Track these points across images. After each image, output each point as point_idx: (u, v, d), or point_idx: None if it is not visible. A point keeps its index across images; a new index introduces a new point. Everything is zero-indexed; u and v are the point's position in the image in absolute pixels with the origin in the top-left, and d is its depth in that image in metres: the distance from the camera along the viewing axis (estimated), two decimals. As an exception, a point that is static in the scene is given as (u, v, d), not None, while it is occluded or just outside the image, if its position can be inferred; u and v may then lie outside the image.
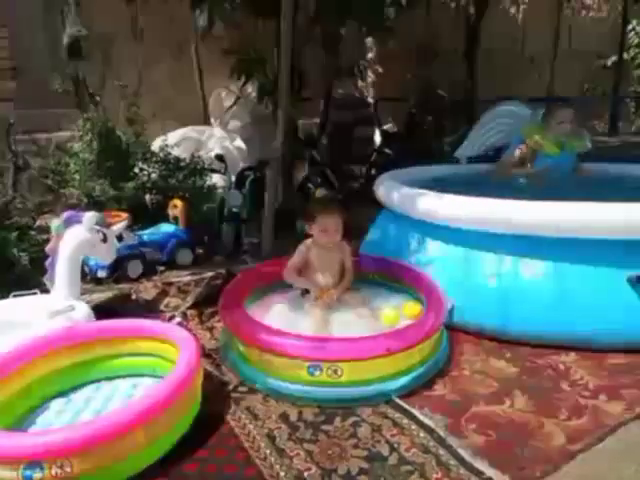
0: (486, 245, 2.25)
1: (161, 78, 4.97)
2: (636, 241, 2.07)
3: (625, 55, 9.49)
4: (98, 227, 2.20)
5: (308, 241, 2.31)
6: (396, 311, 2.13)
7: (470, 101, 5.60)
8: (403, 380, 1.82)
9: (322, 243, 2.25)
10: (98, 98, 3.85)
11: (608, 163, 3.55)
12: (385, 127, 5.77)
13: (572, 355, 2.03)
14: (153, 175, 3.57)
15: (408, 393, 1.80)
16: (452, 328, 2.21)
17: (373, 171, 5.28)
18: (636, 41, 10.93)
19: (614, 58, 9.24)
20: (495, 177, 3.35)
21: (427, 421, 1.65)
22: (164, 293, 2.59)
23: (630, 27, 10.38)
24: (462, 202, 2.34)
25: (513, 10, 7.90)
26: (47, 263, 2.14)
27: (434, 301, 2.04)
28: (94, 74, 4.13)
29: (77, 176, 3.41)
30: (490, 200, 2.26)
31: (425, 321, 1.92)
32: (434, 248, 2.46)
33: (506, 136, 3.53)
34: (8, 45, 4.54)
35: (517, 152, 3.27)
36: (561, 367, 1.96)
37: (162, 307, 2.50)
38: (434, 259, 2.42)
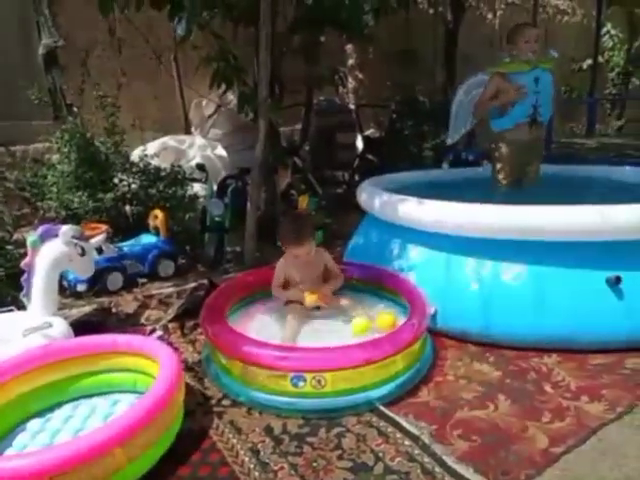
0: (467, 250, 2.26)
1: (140, 88, 4.93)
2: (613, 242, 2.10)
3: (600, 58, 9.70)
4: (76, 240, 2.16)
5: (287, 257, 2.30)
6: (366, 321, 2.09)
7: (449, 106, 5.65)
8: (387, 387, 1.81)
9: (296, 261, 2.27)
10: (76, 109, 3.80)
11: (583, 165, 3.62)
12: (367, 133, 5.79)
13: (554, 357, 2.05)
14: (133, 186, 3.53)
15: (393, 400, 1.79)
16: (436, 333, 2.22)
17: (356, 177, 5.30)
18: (610, 44, 11.21)
19: (589, 61, 9.44)
20: (477, 116, 3.31)
21: (412, 429, 1.65)
22: (145, 306, 2.56)
23: (604, 31, 10.64)
24: (443, 207, 2.35)
25: (490, 15, 8.04)
26: (23, 279, 2.09)
27: (417, 307, 2.04)
28: (72, 85, 4.08)
29: (55, 188, 3.35)
30: (471, 205, 2.27)
31: (408, 327, 1.91)
32: (417, 253, 2.46)
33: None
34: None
35: (477, 91, 3.21)
36: (543, 369, 1.97)
37: (143, 320, 2.46)
38: (417, 264, 2.42)
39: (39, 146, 4.12)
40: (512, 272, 2.18)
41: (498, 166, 3.17)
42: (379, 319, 2.11)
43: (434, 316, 2.18)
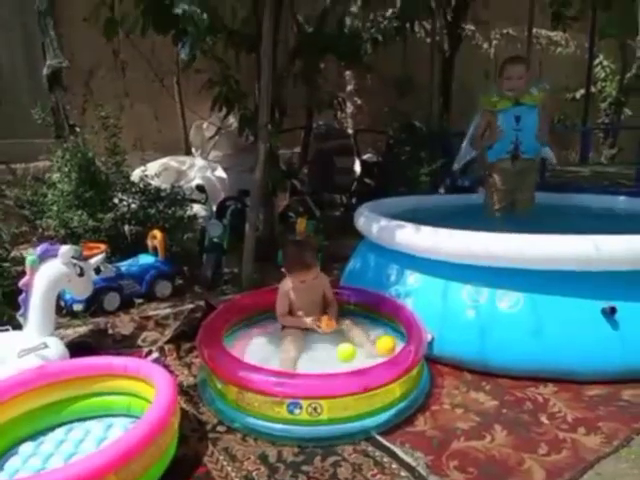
0: (464, 277, 2.28)
1: (142, 109, 5.00)
2: (609, 273, 2.13)
3: (592, 88, 9.93)
4: (75, 261, 2.16)
5: (287, 283, 2.30)
6: (352, 347, 2.08)
7: (445, 133, 5.75)
8: (384, 416, 1.80)
9: (299, 287, 2.27)
10: (78, 129, 3.83)
11: (578, 194, 3.68)
12: (365, 157, 5.87)
13: (550, 387, 2.05)
14: (133, 205, 3.55)
15: (389, 429, 1.78)
16: (432, 360, 2.22)
17: (354, 200, 5.35)
18: (603, 75, 11.49)
19: (582, 91, 9.66)
20: (476, 148, 3.39)
21: (408, 459, 1.64)
22: (142, 327, 2.54)
23: (597, 61, 10.92)
24: (440, 234, 2.38)
25: (485, 45, 8.25)
26: (20, 298, 2.08)
27: (414, 334, 2.05)
28: (74, 105, 4.13)
29: (54, 207, 3.36)
30: (468, 232, 2.30)
31: (405, 355, 1.91)
32: (413, 279, 2.47)
33: None
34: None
35: (476, 121, 3.27)
36: (540, 399, 1.97)
37: (139, 342, 2.44)
38: (413, 290, 2.43)
39: (40, 164, 4.15)
40: (509, 300, 2.19)
41: (488, 193, 3.27)
42: (379, 342, 2.10)
43: (431, 343, 2.19)
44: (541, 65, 8.76)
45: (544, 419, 1.84)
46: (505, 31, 8.57)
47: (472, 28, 7.71)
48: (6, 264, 2.88)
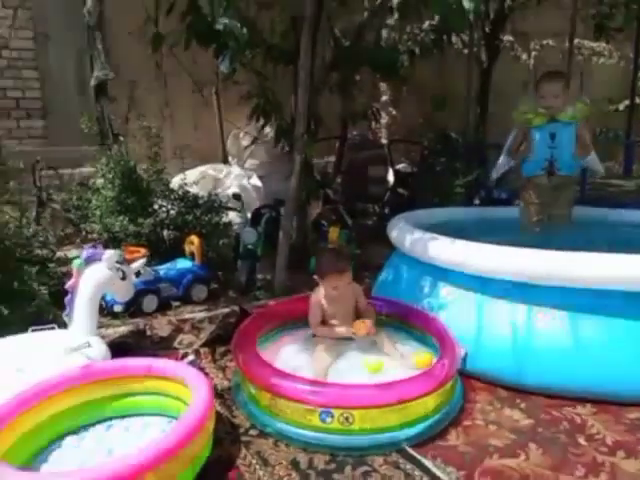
0: (500, 292, 2.25)
1: (182, 119, 5.16)
2: (653, 292, 2.06)
3: (637, 100, 9.60)
4: (118, 265, 2.26)
5: (320, 292, 2.31)
6: (379, 361, 2.06)
7: (481, 144, 5.69)
8: (416, 429, 1.79)
9: (332, 295, 2.27)
10: (121, 137, 4.00)
11: (620, 209, 3.56)
12: (398, 167, 5.86)
13: (589, 407, 2.00)
14: (171, 212, 3.66)
15: (420, 442, 1.77)
16: (466, 375, 2.19)
17: (387, 210, 5.35)
18: (647, 86, 11.09)
19: (626, 102, 9.35)
20: (514, 158, 3.33)
21: (439, 473, 1.63)
22: (178, 330, 2.61)
23: (642, 73, 10.56)
24: (476, 249, 2.36)
25: (524, 56, 8.12)
26: (66, 300, 2.19)
27: (447, 348, 2.03)
28: (119, 115, 4.31)
29: (98, 212, 3.51)
30: (504, 248, 2.28)
31: (439, 369, 1.90)
32: (447, 293, 2.46)
33: None
34: (39, 86, 4.77)
35: (510, 137, 3.22)
36: (577, 420, 1.92)
37: (176, 344, 2.52)
38: (447, 304, 2.41)
39: (85, 171, 4.34)
40: (546, 317, 2.15)
41: (524, 207, 3.23)
42: (417, 357, 2.08)
43: (464, 358, 2.16)
44: (583, 76, 8.55)
45: (582, 440, 1.79)
46: (545, 42, 8.41)
47: (511, 39, 7.61)
48: (52, 265, 3.02)
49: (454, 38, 5.84)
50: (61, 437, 1.74)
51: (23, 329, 2.22)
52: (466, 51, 6.62)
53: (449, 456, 1.71)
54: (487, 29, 6.10)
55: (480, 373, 2.20)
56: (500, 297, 2.26)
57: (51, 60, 4.80)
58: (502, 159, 3.52)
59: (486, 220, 3.64)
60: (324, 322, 2.33)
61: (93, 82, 4.93)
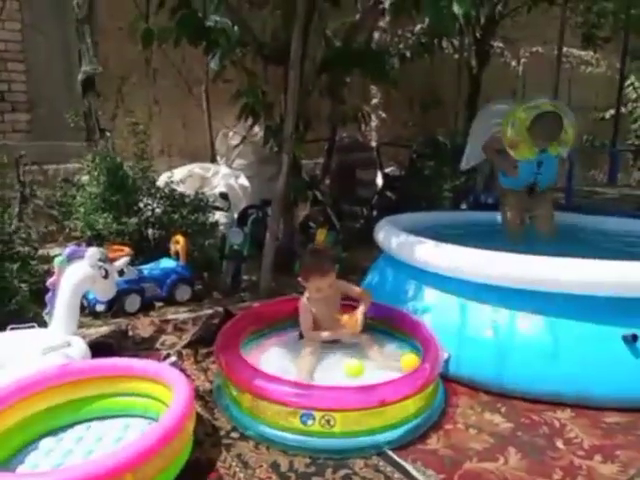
0: (482, 296, 2.27)
1: (170, 116, 5.12)
2: (632, 299, 2.09)
3: (623, 109, 9.76)
4: (100, 263, 2.23)
5: (306, 297, 2.30)
6: (359, 364, 2.05)
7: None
8: (397, 432, 1.80)
9: (315, 297, 2.27)
10: (108, 134, 3.95)
11: (605, 216, 3.62)
12: (387, 170, 5.88)
13: (567, 412, 2.02)
14: (157, 210, 3.63)
15: (401, 445, 1.78)
16: (448, 379, 2.21)
17: (374, 212, 5.36)
18: (634, 96, 11.27)
19: (612, 111, 9.50)
20: (486, 156, 3.27)
21: (419, 476, 1.63)
22: (161, 330, 2.59)
23: (628, 82, 10.73)
24: (460, 252, 2.38)
25: (514, 63, 8.21)
26: (47, 297, 2.16)
27: (430, 352, 2.04)
28: (106, 111, 4.26)
29: (82, 208, 3.46)
30: (487, 252, 2.30)
31: (421, 372, 1.91)
32: (431, 296, 2.47)
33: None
34: (25, 79, 4.70)
35: (493, 141, 3.08)
36: (556, 424, 1.94)
37: (158, 345, 2.50)
38: (431, 307, 2.43)
39: (70, 167, 4.29)
40: (527, 322, 2.18)
41: (504, 212, 3.27)
42: (404, 360, 2.07)
43: (447, 362, 2.18)
44: (570, 83, 8.67)
45: (560, 444, 1.81)
46: (534, 49, 8.51)
47: (501, 45, 7.69)
48: (33, 262, 2.97)
49: (445, 43, 5.90)
50: (38, 438, 1.71)
51: (2, 327, 2.19)
52: (456, 56, 6.68)
53: (429, 459, 1.72)
54: (478, 34, 6.15)
55: (462, 377, 2.22)
56: (482, 301, 2.27)
57: (38, 53, 4.73)
58: (472, 148, 3.46)
59: (471, 224, 3.67)
60: (315, 325, 2.31)
61: (81, 76, 4.86)
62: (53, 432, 1.75)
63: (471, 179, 5.45)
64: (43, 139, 4.47)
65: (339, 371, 2.07)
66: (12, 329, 2.12)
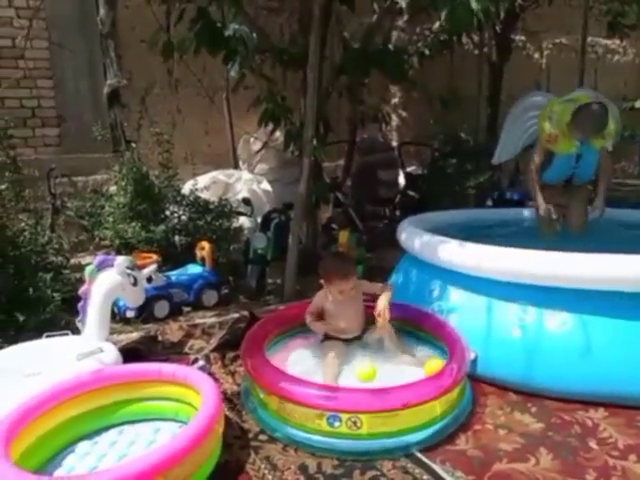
0: (509, 295, 2.23)
1: (193, 124, 5.22)
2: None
3: (654, 97, 9.42)
4: (129, 271, 2.29)
5: (324, 293, 2.31)
6: (372, 368, 2.03)
7: (493, 146, 5.65)
8: (424, 433, 1.79)
9: (338, 299, 2.26)
10: (134, 144, 4.05)
11: (635, 209, 3.50)
12: (409, 169, 5.85)
13: (601, 411, 1.97)
14: (183, 217, 3.71)
15: (429, 447, 1.77)
16: (475, 379, 2.18)
17: (397, 212, 5.34)
18: (664, 83, 10.86)
19: (642, 100, 9.19)
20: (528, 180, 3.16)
21: (448, 478, 1.62)
22: (189, 335, 2.65)
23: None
24: (484, 251, 2.34)
25: (537, 55, 8.04)
26: (79, 306, 2.23)
27: (456, 352, 2.02)
28: (131, 122, 4.38)
29: (111, 218, 3.57)
30: (512, 250, 2.26)
31: (447, 373, 1.89)
32: (457, 296, 2.45)
33: (532, 126, 3.14)
34: (54, 95, 4.87)
35: (536, 157, 2.96)
36: (589, 424, 1.90)
37: (187, 349, 2.55)
38: (457, 307, 2.40)
39: (99, 178, 4.42)
40: (556, 320, 2.13)
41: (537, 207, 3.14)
42: (428, 365, 2.04)
43: (474, 362, 2.15)
44: (597, 73, 8.43)
45: (593, 444, 1.77)
46: (558, 40, 8.31)
47: (522, 38, 7.54)
48: (66, 271, 3.08)
49: (464, 38, 5.82)
50: (74, 442, 1.77)
51: (37, 335, 2.27)
52: (477, 51, 6.59)
53: (458, 461, 1.70)
54: (498, 29, 6.05)
55: (490, 377, 2.19)
56: (509, 300, 2.24)
57: (65, 69, 4.90)
58: (506, 142, 3.33)
59: (498, 221, 3.61)
60: (323, 319, 2.32)
61: (106, 90, 5.03)
62: (88, 436, 1.81)
63: (495, 175, 5.37)
64: (72, 152, 4.63)
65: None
66: (47, 336, 2.20)
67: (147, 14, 3.76)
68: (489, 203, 5.18)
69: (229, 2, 3.45)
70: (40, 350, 2.08)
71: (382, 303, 2.20)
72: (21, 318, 2.55)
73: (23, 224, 2.97)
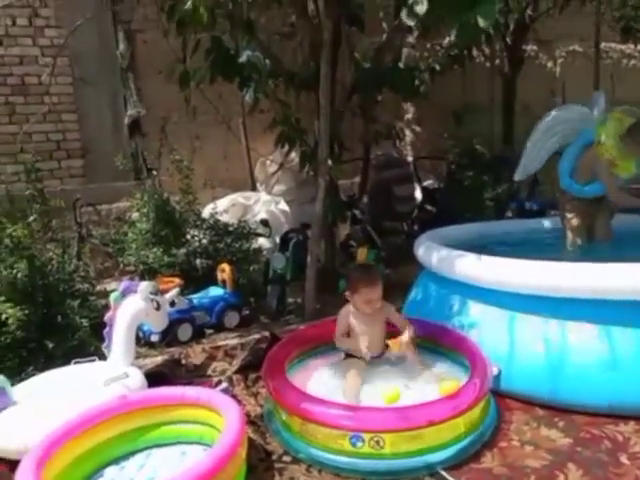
0: (531, 308, 2.21)
1: (211, 150, 5.35)
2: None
3: (674, 100, 9.26)
4: (152, 296, 2.35)
5: (349, 307, 2.32)
6: (396, 390, 2.02)
7: (510, 156, 5.62)
8: (449, 451, 1.77)
9: (365, 312, 2.27)
10: (155, 172, 4.18)
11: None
12: (425, 184, 5.85)
13: (631, 424, 1.92)
14: (203, 241, 3.78)
15: (454, 465, 1.75)
16: (500, 395, 2.15)
17: (415, 227, 5.33)
18: (685, 84, 10.66)
19: (662, 103, 9.04)
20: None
21: (475, 497, 1.60)
22: (212, 357, 2.68)
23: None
24: (504, 264, 2.33)
25: (550, 64, 8.00)
26: (105, 331, 2.29)
27: (478, 367, 2.00)
28: (152, 150, 4.52)
29: (134, 244, 3.66)
30: (532, 262, 2.24)
31: (469, 390, 1.88)
32: (477, 311, 2.43)
33: (563, 138, 3.11)
34: (78, 128, 5.07)
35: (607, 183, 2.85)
36: (619, 438, 1.85)
37: (210, 372, 2.58)
38: (477, 322, 2.39)
39: (122, 205, 4.55)
40: (582, 332, 2.09)
41: (567, 219, 3.09)
42: (442, 387, 2.02)
43: (497, 377, 2.13)
44: (613, 79, 8.34)
45: (624, 459, 1.72)
46: (571, 48, 8.27)
47: (535, 48, 7.53)
48: (92, 298, 3.15)
49: (475, 52, 5.85)
50: (103, 467, 1.81)
51: (66, 362, 2.34)
52: (488, 64, 6.61)
53: (484, 479, 1.68)
54: (508, 40, 6.07)
55: (515, 392, 2.16)
56: (532, 313, 2.21)
57: (88, 102, 5.10)
58: (529, 158, 3.27)
59: (516, 232, 3.58)
60: (349, 336, 2.32)
61: (127, 120, 5.23)
62: (115, 461, 1.84)
63: (514, 186, 5.32)
64: (96, 182, 4.80)
65: (386, 391, 2.05)
66: (75, 363, 2.27)
67: (164, 47, 3.91)
68: (509, 214, 5.13)
69: (242, 30, 3.57)
70: (70, 376, 2.14)
71: (406, 338, 2.20)
72: (50, 345, 2.62)
73: (51, 253, 3.07)
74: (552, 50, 8.13)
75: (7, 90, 4.74)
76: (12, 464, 1.74)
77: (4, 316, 2.54)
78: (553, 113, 3.18)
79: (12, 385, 2.02)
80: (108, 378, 2.03)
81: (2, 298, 2.59)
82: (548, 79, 7.84)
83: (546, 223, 3.63)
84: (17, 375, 2.37)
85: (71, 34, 4.01)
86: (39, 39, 4.86)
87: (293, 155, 4.71)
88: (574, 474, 1.67)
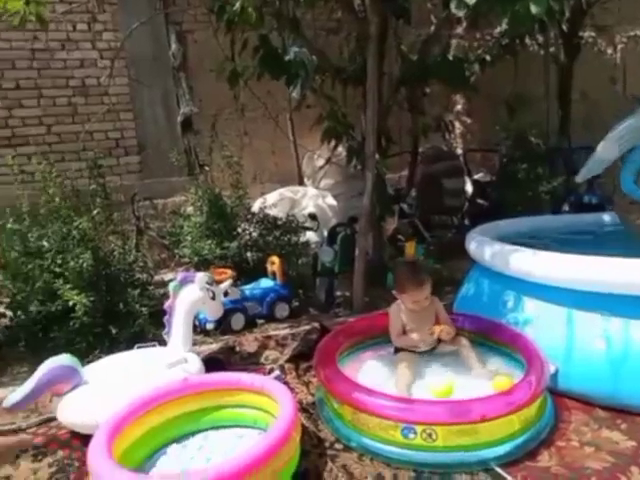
0: (590, 305, 2.13)
1: (260, 145, 5.46)
2: None
3: None
4: (208, 286, 2.45)
5: (398, 305, 2.32)
6: (448, 385, 1.99)
7: (567, 148, 5.39)
8: (503, 448, 1.75)
9: (414, 310, 2.27)
10: (207, 167, 4.32)
11: None
12: (476, 177, 5.71)
13: (701, 429, 1.82)
14: (254, 234, 3.88)
15: (510, 462, 1.72)
16: (558, 394, 2.09)
17: (466, 221, 5.22)
18: None
19: None
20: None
21: (531, 494, 1.57)
22: (264, 346, 2.76)
23: None
24: (560, 260, 2.26)
25: (610, 51, 7.59)
26: (165, 319, 2.41)
27: (534, 365, 1.96)
28: (203, 146, 4.66)
29: (189, 237, 3.81)
30: (589, 258, 2.16)
31: (525, 387, 1.84)
32: (532, 307, 2.36)
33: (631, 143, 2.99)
34: (134, 126, 5.30)
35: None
36: (688, 442, 1.76)
37: (262, 359, 2.66)
38: (533, 319, 2.32)
39: (176, 199, 4.73)
40: (644, 330, 2.00)
41: (630, 219, 2.96)
42: (496, 383, 1.98)
43: (554, 376, 2.07)
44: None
45: (694, 464, 1.64)
46: (632, 33, 7.80)
47: (592, 34, 7.16)
48: (151, 287, 3.32)
49: (528, 40, 5.63)
50: (166, 444, 1.91)
51: (129, 346, 2.48)
52: (542, 52, 6.34)
53: (541, 477, 1.65)
54: (564, 27, 5.81)
55: (573, 392, 2.09)
56: (591, 310, 2.13)
57: (143, 102, 5.32)
58: (594, 163, 3.19)
59: (573, 227, 3.44)
60: (404, 333, 2.32)
61: (180, 118, 5.42)
62: (177, 439, 1.94)
63: (571, 179, 5.10)
64: (152, 177, 5.01)
65: (438, 384, 2.04)
66: (138, 347, 2.40)
67: (214, 46, 4.01)
68: (565, 208, 4.93)
69: (289, 28, 3.62)
70: (135, 359, 2.28)
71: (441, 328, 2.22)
72: (114, 331, 2.79)
73: (113, 245, 3.25)
74: (611, 36, 7.71)
75: (70, 92, 5.03)
76: (84, 438, 1.87)
77: (72, 302, 2.73)
78: (627, 122, 3.03)
79: (82, 366, 2.17)
80: (170, 362, 2.13)
81: (70, 286, 2.78)
82: (608, 66, 7.45)
83: (606, 217, 3.47)
84: (85, 357, 2.54)
85: (127, 37, 4.19)
86: (98, 43, 5.11)
87: (340, 149, 4.73)
88: (637, 478, 1.61)
